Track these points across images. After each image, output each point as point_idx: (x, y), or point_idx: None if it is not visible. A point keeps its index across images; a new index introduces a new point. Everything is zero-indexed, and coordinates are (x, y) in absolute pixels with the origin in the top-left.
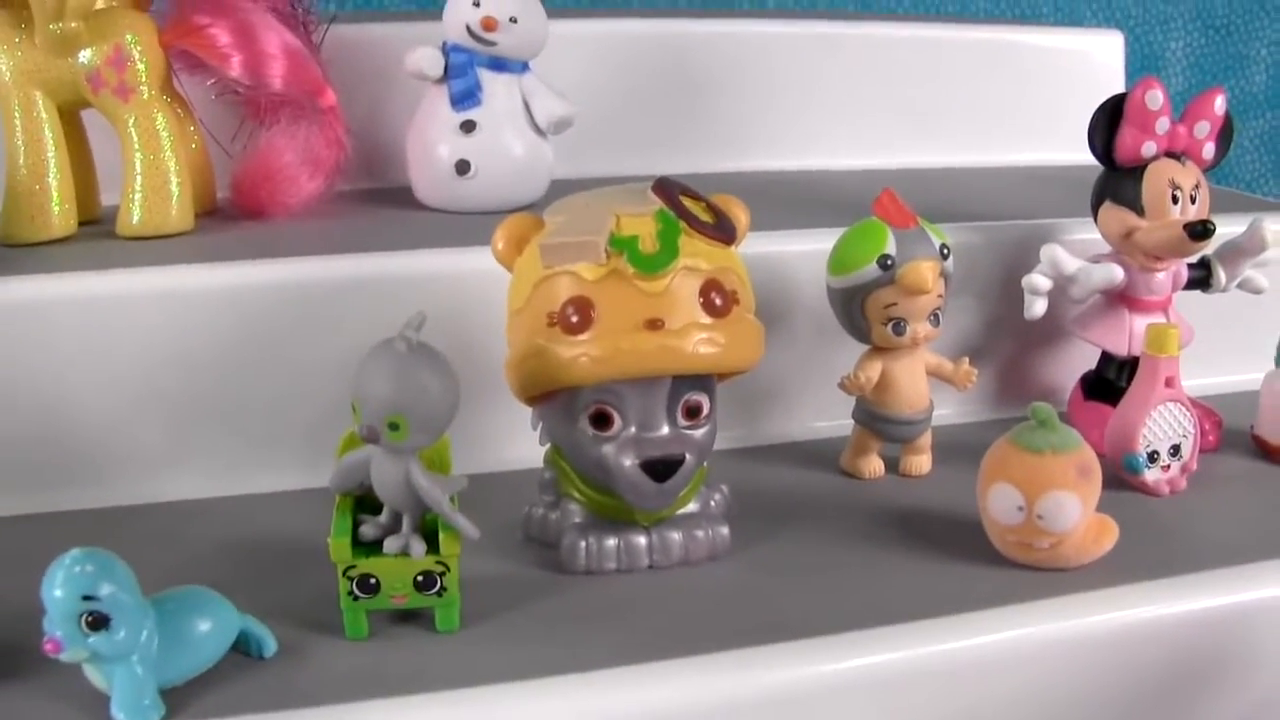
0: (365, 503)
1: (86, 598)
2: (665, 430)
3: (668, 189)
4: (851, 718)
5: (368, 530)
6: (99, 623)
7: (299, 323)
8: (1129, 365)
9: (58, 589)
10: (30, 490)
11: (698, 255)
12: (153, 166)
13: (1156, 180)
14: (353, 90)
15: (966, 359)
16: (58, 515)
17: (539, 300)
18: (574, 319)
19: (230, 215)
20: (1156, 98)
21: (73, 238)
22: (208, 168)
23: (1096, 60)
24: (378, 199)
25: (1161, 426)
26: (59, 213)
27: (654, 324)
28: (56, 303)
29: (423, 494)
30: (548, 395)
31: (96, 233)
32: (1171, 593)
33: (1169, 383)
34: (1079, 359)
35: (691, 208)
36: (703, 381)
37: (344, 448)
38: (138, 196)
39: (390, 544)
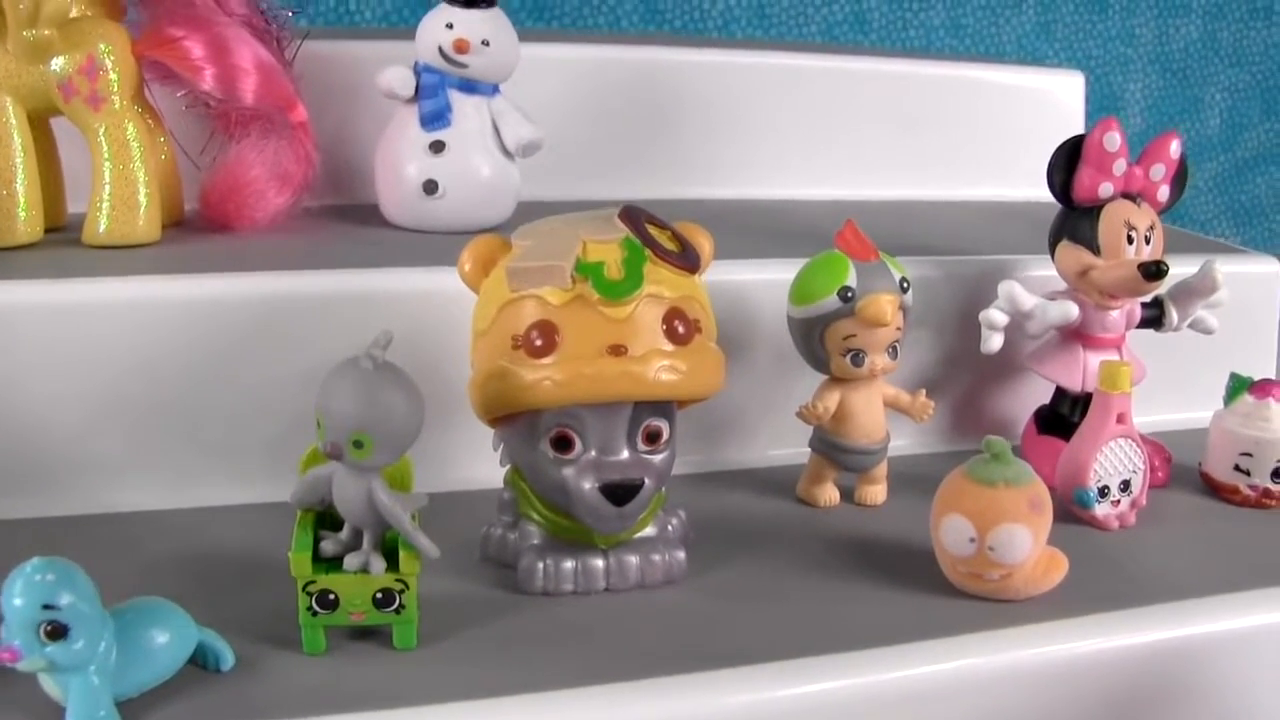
0: (326, 518)
1: (46, 607)
2: (625, 455)
3: (634, 217)
4: None
5: (328, 546)
6: (58, 632)
7: (263, 337)
8: (1082, 401)
9: (17, 597)
10: None
11: (661, 283)
12: (121, 176)
13: (1113, 221)
14: (322, 106)
15: (924, 391)
16: (14, 523)
17: (504, 322)
18: (538, 342)
19: (198, 227)
20: (1114, 140)
21: (38, 245)
22: (176, 179)
23: (1058, 99)
24: (345, 216)
25: (1112, 462)
26: (25, 219)
27: (617, 350)
28: (19, 310)
29: (384, 512)
30: (510, 417)
31: (62, 240)
32: (1119, 626)
33: (1120, 419)
34: (1033, 393)
35: (657, 236)
36: (663, 408)
37: (306, 463)
38: (105, 206)
39: (350, 561)
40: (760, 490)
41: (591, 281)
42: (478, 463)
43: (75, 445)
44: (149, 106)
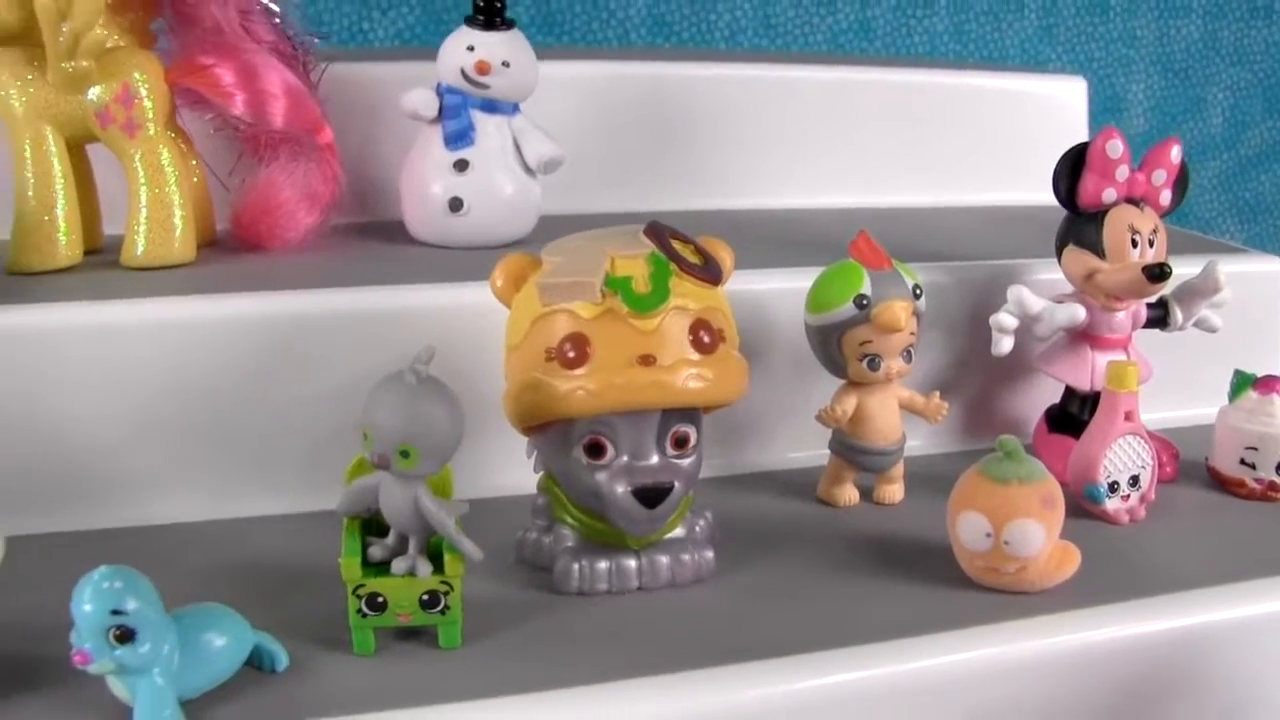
0: (371, 525)
1: (115, 612)
2: (655, 459)
3: (658, 233)
4: None
5: (376, 551)
6: (126, 636)
7: (297, 353)
8: (1091, 400)
9: (87, 603)
10: (34, 512)
11: (687, 295)
12: (157, 200)
13: (1117, 225)
14: (347, 127)
15: (937, 393)
16: (61, 536)
17: (537, 336)
18: (571, 354)
19: (229, 247)
20: (1117, 147)
21: (78, 267)
22: (208, 201)
23: (1061, 104)
24: (371, 233)
25: (1121, 458)
26: (66, 243)
27: (646, 360)
28: (64, 331)
29: (430, 518)
30: (544, 425)
31: (101, 263)
32: (1130, 616)
33: (1128, 416)
34: (1043, 393)
35: (681, 250)
36: (690, 414)
37: (352, 473)
38: (142, 228)
39: (398, 564)
40: (781, 492)
41: (621, 295)
42: (507, 470)
43: (117, 460)
44: (181, 131)
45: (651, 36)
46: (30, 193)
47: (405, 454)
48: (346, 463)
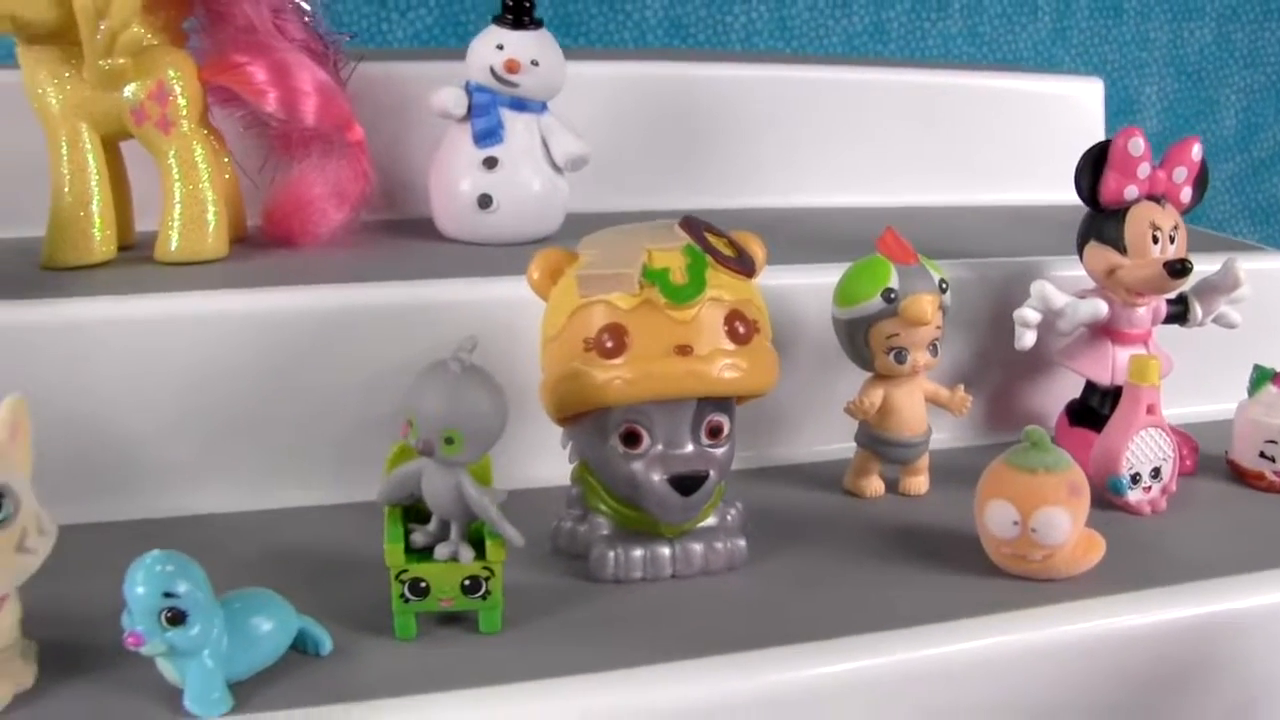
0: (411, 512)
1: (167, 594)
2: (690, 448)
3: (693, 226)
4: (857, 715)
5: (418, 538)
6: (177, 619)
7: (329, 347)
8: (1111, 394)
9: (140, 586)
10: (75, 501)
11: (722, 287)
12: (191, 196)
13: (1138, 222)
14: (374, 125)
15: (962, 386)
16: (102, 525)
17: (575, 327)
18: (609, 344)
19: (260, 243)
20: (1138, 145)
21: (112, 263)
22: (239, 197)
23: (1078, 105)
24: (399, 230)
25: (1143, 450)
26: (100, 239)
27: (683, 350)
28: (102, 324)
29: (473, 504)
30: (580, 415)
31: (134, 258)
32: (1154, 603)
33: (1150, 410)
34: (1064, 388)
35: (715, 243)
36: (724, 404)
37: (393, 462)
38: (176, 224)
39: (441, 550)
40: (808, 483)
41: (658, 287)
42: (539, 461)
43: (156, 452)
44: (213, 129)
45: (668, 38)
46: (66, 189)
47: (450, 440)
48: (378, 455)
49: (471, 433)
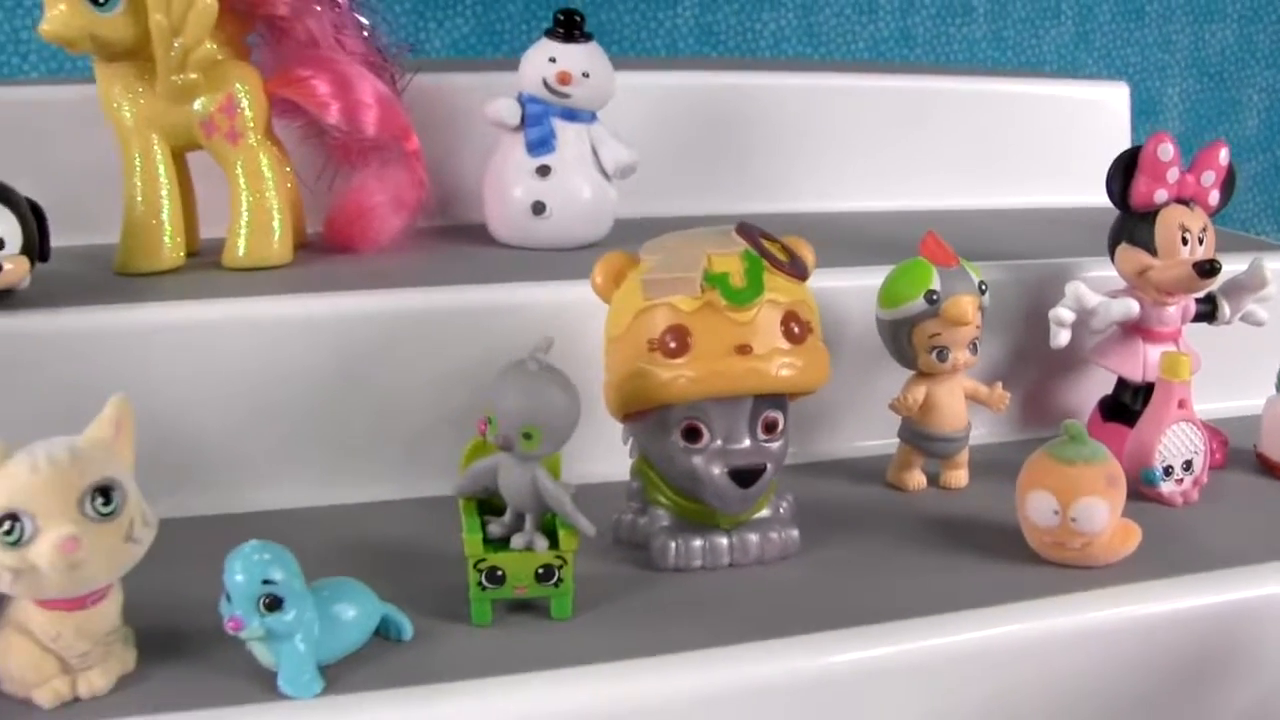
0: (484, 505)
1: (265, 581)
2: (747, 443)
3: (749, 232)
4: (907, 695)
5: (494, 529)
6: (274, 604)
7: (394, 348)
8: (1143, 390)
9: (239, 574)
10: (151, 498)
11: (777, 290)
12: (258, 205)
13: (1168, 224)
14: (426, 134)
15: (1000, 384)
16: (179, 520)
17: (639, 328)
18: (673, 344)
19: (321, 249)
20: (1168, 150)
21: (182, 268)
22: (300, 205)
23: (1105, 109)
24: (453, 236)
25: (1175, 444)
26: (170, 246)
27: (743, 349)
28: (175, 328)
29: (547, 496)
30: (642, 412)
31: (202, 264)
32: (1188, 589)
33: (1181, 405)
34: (1096, 385)
35: (769, 248)
36: (779, 401)
37: (468, 457)
38: (244, 231)
39: (517, 540)
40: (853, 477)
41: (719, 290)
42: (596, 458)
43: (229, 449)
44: (276, 140)
45: (699, 45)
46: (139, 198)
47: (528, 436)
48: (443, 451)
49: (549, 429)
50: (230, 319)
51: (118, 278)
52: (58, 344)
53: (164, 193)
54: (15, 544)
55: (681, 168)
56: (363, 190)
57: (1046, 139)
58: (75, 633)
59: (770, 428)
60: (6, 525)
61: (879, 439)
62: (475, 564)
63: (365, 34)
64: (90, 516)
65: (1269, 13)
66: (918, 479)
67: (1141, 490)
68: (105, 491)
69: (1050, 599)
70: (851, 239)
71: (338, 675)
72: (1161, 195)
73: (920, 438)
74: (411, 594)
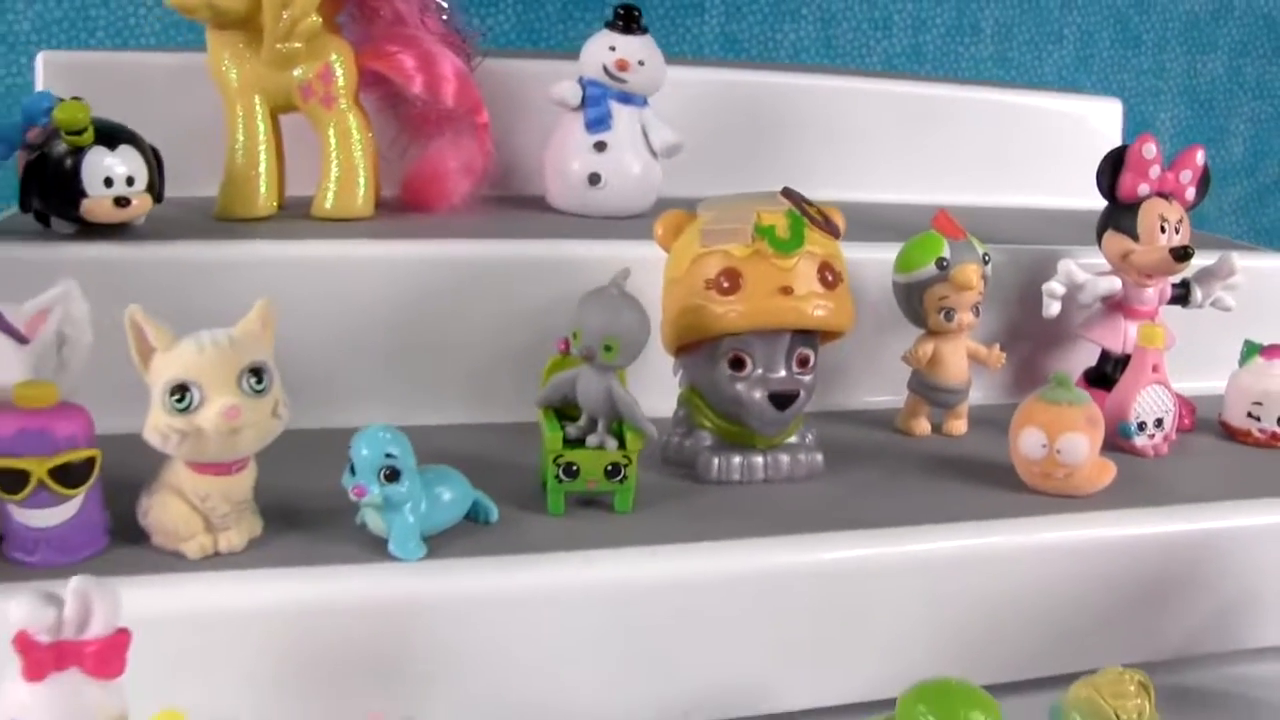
0: (559, 414)
1: (387, 455)
2: (784, 373)
3: (792, 195)
4: (909, 589)
5: (570, 430)
6: (393, 475)
7: (463, 291)
8: (1123, 361)
9: (365, 448)
10: None
11: (815, 243)
12: (346, 163)
13: (1149, 214)
14: (493, 113)
15: (997, 345)
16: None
17: (696, 271)
18: (725, 285)
19: (396, 208)
20: (1151, 150)
21: (273, 217)
22: (378, 168)
23: (1099, 123)
24: (514, 203)
25: (1149, 403)
26: (265, 195)
27: (786, 290)
28: (270, 264)
29: (619, 402)
30: (693, 346)
31: (291, 214)
32: (1155, 519)
33: (1155, 369)
34: (1082, 356)
35: (809, 209)
36: (812, 339)
37: (548, 373)
38: (333, 186)
39: (591, 439)
40: (865, 425)
41: (767, 240)
42: (648, 393)
43: (319, 374)
44: (363, 108)
45: (723, 52)
46: (240, 151)
47: (608, 348)
48: (507, 383)
49: (626, 342)
50: (321, 259)
51: (217, 222)
52: (170, 272)
53: (262, 148)
54: (185, 410)
55: (715, 155)
56: (438, 156)
57: (1045, 147)
58: (221, 495)
59: (804, 362)
60: (178, 394)
61: (887, 394)
62: (554, 459)
63: (444, 17)
64: (246, 391)
65: (1257, 46)
66: (923, 426)
67: (1118, 442)
68: (258, 372)
69: (1035, 518)
70: (868, 222)
71: (437, 546)
72: (1144, 189)
73: (927, 388)
74: (490, 493)
